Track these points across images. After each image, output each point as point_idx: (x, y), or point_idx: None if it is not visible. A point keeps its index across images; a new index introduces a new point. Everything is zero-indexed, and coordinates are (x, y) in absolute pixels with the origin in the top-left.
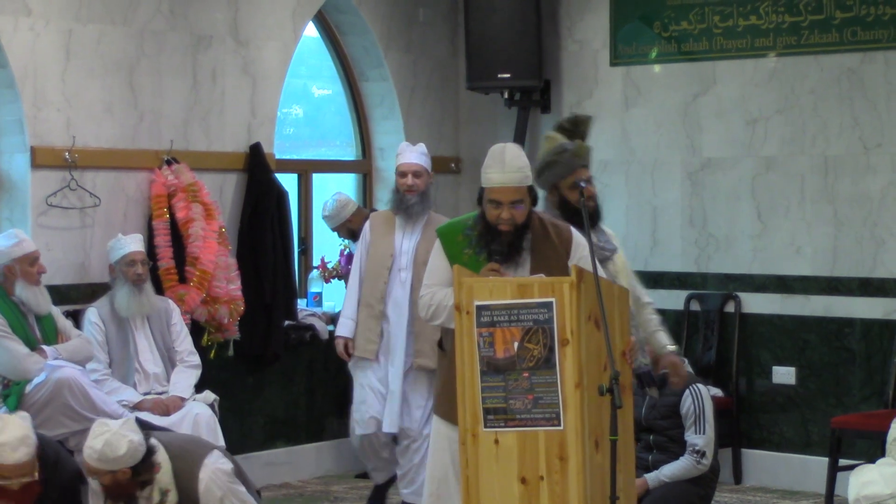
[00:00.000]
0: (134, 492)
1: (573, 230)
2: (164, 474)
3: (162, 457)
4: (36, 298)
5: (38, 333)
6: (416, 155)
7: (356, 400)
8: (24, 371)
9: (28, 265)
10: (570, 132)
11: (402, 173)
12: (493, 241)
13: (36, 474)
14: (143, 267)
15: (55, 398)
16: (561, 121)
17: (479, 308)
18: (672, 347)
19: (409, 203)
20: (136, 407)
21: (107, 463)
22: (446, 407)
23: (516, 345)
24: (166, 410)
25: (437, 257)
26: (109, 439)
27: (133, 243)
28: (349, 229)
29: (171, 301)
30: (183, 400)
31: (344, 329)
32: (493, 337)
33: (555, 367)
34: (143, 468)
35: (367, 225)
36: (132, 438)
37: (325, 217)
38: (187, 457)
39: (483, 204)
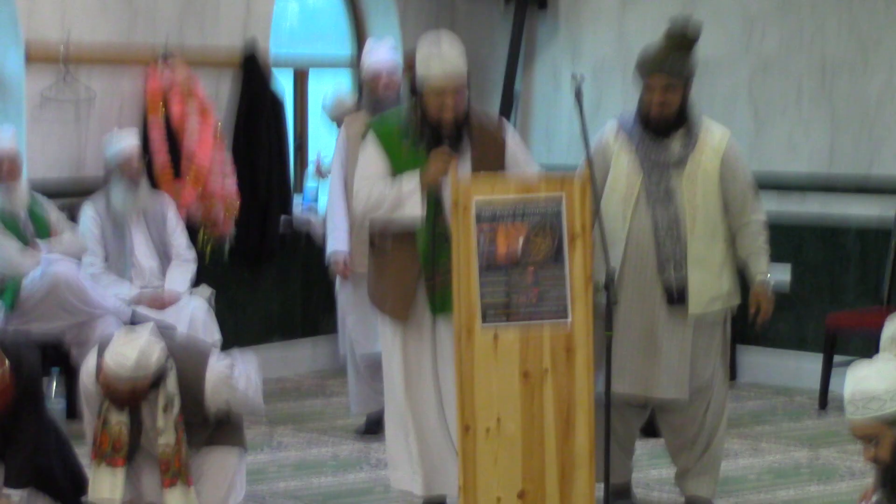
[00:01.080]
0: (142, 399)
1: (503, 118)
2: (170, 381)
3: (170, 363)
4: None
5: (31, 229)
6: (386, 51)
7: (352, 319)
8: (18, 266)
9: None
10: (678, 31)
11: (376, 73)
12: (433, 130)
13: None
14: (138, 162)
15: (52, 293)
16: (673, 17)
17: (480, 203)
18: (762, 277)
19: (389, 104)
20: (133, 300)
21: (139, 370)
22: (384, 301)
23: (521, 240)
24: (162, 304)
25: (372, 149)
26: (144, 348)
27: (129, 138)
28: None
29: (167, 196)
30: (179, 294)
31: (340, 243)
32: (496, 232)
33: (563, 261)
34: (160, 376)
35: (343, 132)
36: (162, 346)
37: (323, 107)
38: (191, 361)
39: (422, 95)
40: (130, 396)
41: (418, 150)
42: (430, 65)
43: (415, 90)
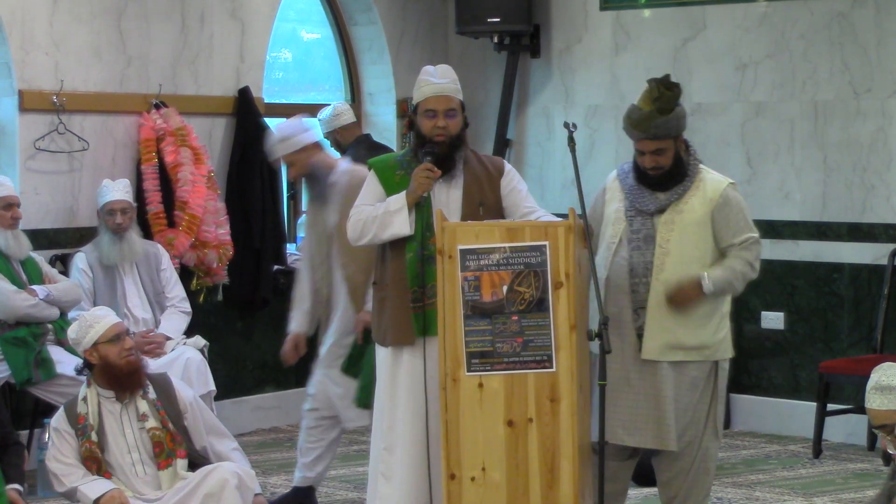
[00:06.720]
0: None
1: (506, 162)
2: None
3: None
4: (7, 242)
5: (24, 277)
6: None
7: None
8: (12, 308)
9: (1, 209)
10: (658, 96)
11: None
12: (425, 150)
13: None
14: (122, 216)
15: None
16: (656, 79)
17: (464, 252)
18: (704, 277)
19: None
20: None
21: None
22: (386, 334)
23: (505, 288)
24: (152, 350)
25: (370, 181)
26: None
27: (115, 191)
28: (337, 140)
29: (160, 246)
30: (168, 338)
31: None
32: (480, 281)
33: (548, 309)
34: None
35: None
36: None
37: (319, 120)
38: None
39: (417, 122)
40: (130, 366)
41: (410, 177)
42: (423, 89)
43: (411, 124)
